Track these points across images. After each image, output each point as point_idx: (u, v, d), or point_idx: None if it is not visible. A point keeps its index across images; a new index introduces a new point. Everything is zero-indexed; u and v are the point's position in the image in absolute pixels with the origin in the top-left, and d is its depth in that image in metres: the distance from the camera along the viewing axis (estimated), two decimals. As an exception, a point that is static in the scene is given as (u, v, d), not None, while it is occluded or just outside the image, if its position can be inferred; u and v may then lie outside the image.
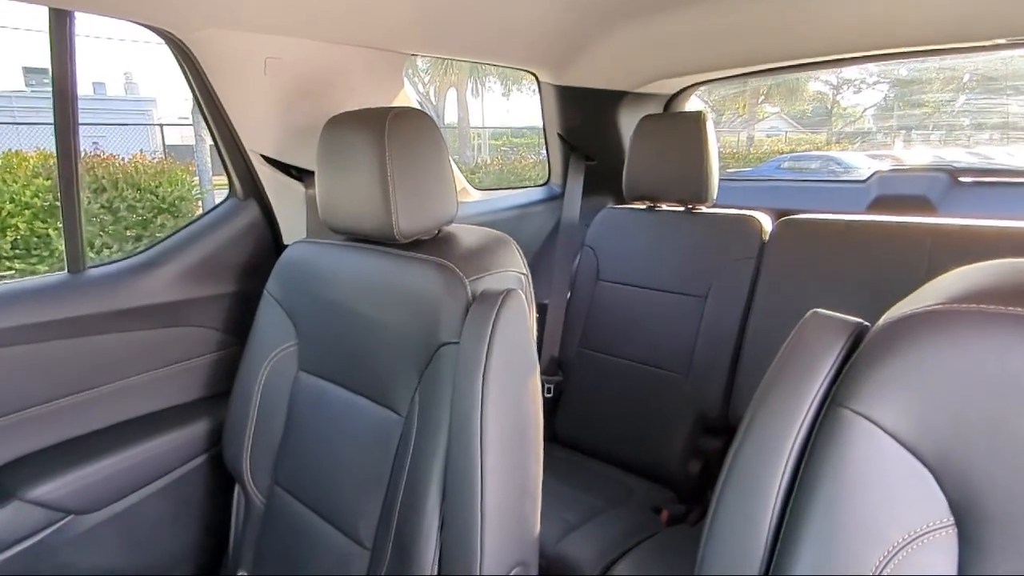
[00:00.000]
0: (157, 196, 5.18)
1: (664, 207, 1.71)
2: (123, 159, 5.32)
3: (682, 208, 1.67)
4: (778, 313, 1.41)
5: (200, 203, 5.86)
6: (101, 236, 4.91)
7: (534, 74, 1.84)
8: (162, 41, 1.13)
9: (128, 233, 5.01)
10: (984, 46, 1.40)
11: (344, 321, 0.99)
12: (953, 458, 0.45)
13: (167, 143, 8.50)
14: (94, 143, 5.68)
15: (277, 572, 1.04)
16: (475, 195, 1.86)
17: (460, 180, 1.77)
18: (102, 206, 4.91)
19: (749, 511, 0.53)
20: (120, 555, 1.14)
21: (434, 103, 14.25)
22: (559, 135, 1.98)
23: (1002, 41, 1.32)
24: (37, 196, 4.63)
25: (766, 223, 1.53)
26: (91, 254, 4.42)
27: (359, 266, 1.00)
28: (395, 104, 1.41)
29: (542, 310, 1.79)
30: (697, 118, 1.58)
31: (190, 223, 1.28)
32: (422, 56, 1.54)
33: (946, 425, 0.45)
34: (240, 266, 1.30)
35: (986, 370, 0.44)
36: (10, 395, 1.03)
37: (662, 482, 1.51)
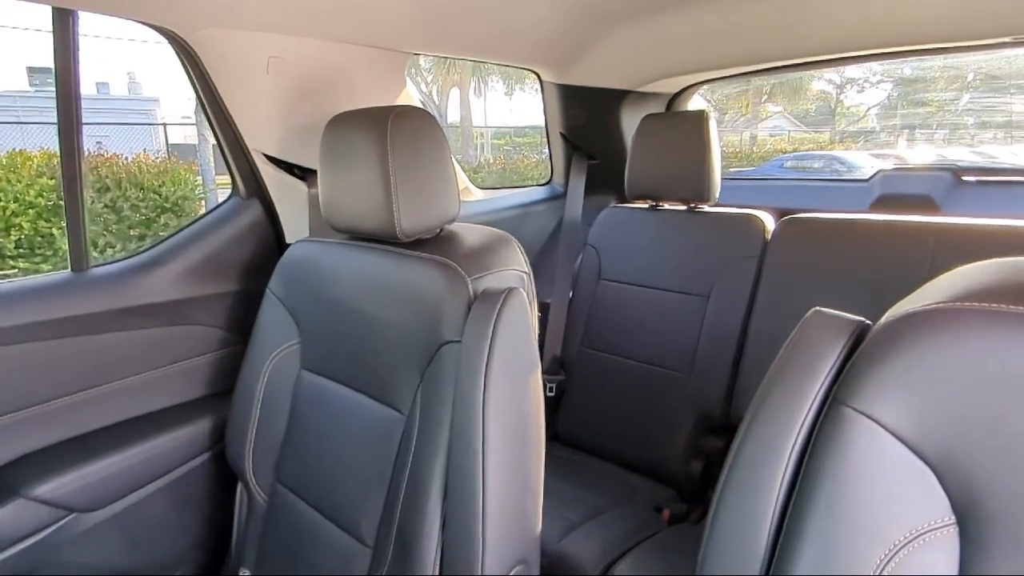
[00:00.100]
0: (160, 195, 5.20)
1: (666, 206, 1.71)
2: (127, 158, 5.34)
3: (684, 207, 1.67)
4: (780, 312, 1.41)
5: (203, 202, 5.88)
6: (105, 235, 4.93)
7: (536, 73, 1.84)
8: (165, 40, 1.14)
9: (132, 232, 5.02)
10: (987, 44, 1.39)
11: (346, 320, 0.99)
12: (955, 457, 0.45)
13: (170, 142, 8.53)
14: (98, 142, 5.70)
15: (279, 570, 1.04)
16: (477, 194, 1.87)
17: (462, 179, 1.77)
18: (106, 205, 4.93)
19: (750, 510, 0.53)
20: (123, 553, 1.14)
21: (437, 102, 14.26)
22: (561, 134, 1.98)
23: (1006, 39, 1.31)
24: (41, 195, 4.64)
25: (768, 222, 1.52)
26: (95, 253, 4.45)
27: (361, 265, 1.00)
28: (398, 103, 1.42)
29: (544, 309, 1.79)
30: (699, 117, 1.58)
31: (193, 222, 1.28)
32: (424, 55, 1.54)
33: (948, 424, 0.45)
34: (243, 265, 1.30)
35: (988, 369, 0.44)
36: (14, 393, 1.04)
37: (664, 481, 1.51)
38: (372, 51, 1.34)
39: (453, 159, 1.04)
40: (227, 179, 1.35)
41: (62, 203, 1.11)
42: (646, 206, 1.74)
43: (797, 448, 0.52)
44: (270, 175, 1.29)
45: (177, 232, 1.26)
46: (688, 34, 1.51)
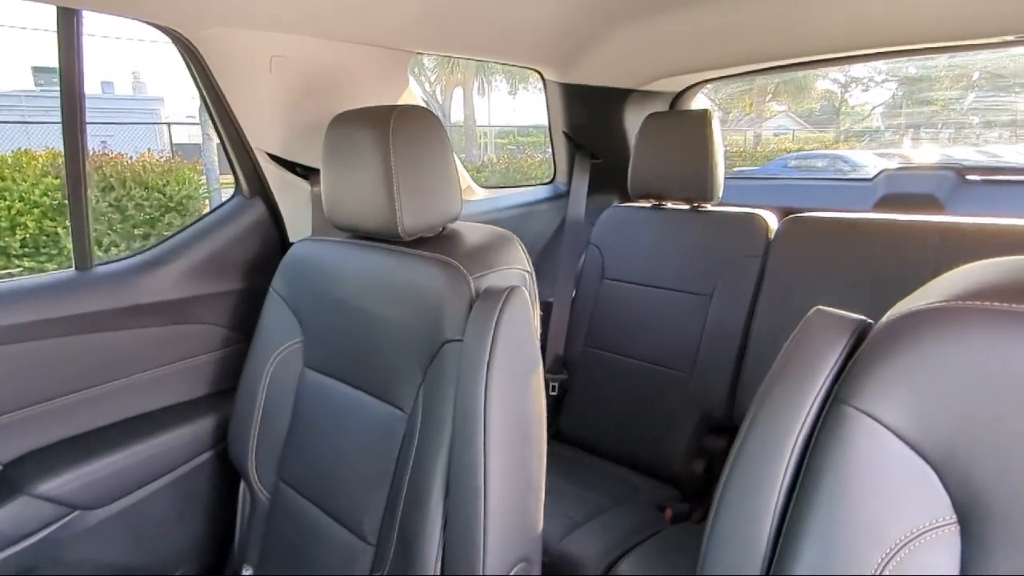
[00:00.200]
0: (164, 195, 5.21)
1: (669, 205, 1.71)
2: (131, 158, 5.35)
3: (687, 206, 1.67)
4: (783, 312, 1.41)
5: (207, 201, 5.89)
6: (109, 235, 4.94)
7: (539, 72, 1.84)
8: (169, 40, 1.14)
9: (136, 232, 5.04)
10: (990, 43, 1.39)
11: (349, 318, 0.99)
12: (956, 456, 0.45)
13: (175, 142, 8.54)
14: (102, 142, 5.72)
15: (282, 567, 1.05)
16: (480, 193, 1.87)
17: (465, 178, 1.77)
18: (110, 204, 4.94)
19: (751, 508, 0.53)
20: (126, 550, 1.14)
21: (440, 102, 14.26)
22: (564, 133, 1.98)
23: (1009, 38, 1.31)
24: (46, 195, 4.66)
25: (772, 221, 1.52)
26: (99, 252, 4.46)
27: (364, 263, 1.00)
28: (400, 102, 1.42)
29: (547, 308, 1.79)
30: (702, 116, 1.58)
31: (196, 221, 1.28)
32: (427, 55, 1.54)
33: (949, 422, 0.45)
34: (246, 264, 1.30)
35: (990, 368, 0.44)
36: (18, 391, 1.04)
37: (666, 480, 1.51)
38: (375, 50, 1.34)
39: (456, 158, 1.04)
40: (231, 178, 1.35)
41: (66, 202, 1.12)
42: (649, 205, 1.74)
43: (798, 447, 0.52)
44: (273, 174, 1.30)
45: (181, 231, 1.26)
46: (691, 33, 1.51)
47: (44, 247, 4.68)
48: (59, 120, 1.07)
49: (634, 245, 1.70)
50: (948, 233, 1.27)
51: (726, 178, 1.63)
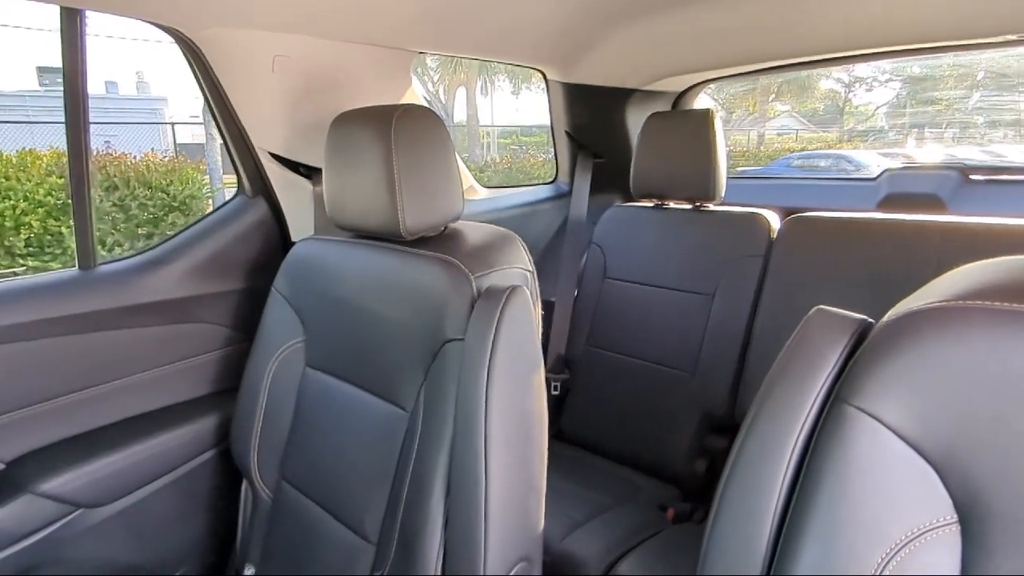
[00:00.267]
0: (168, 194, 5.22)
1: (672, 205, 1.71)
2: (135, 157, 5.37)
3: (690, 206, 1.66)
4: (785, 311, 1.41)
5: (211, 201, 5.90)
6: (113, 234, 4.96)
7: (542, 72, 1.84)
8: (172, 40, 1.14)
9: (140, 231, 5.05)
10: (993, 43, 1.38)
11: (351, 317, 1.00)
12: (957, 455, 0.45)
13: (178, 142, 8.57)
14: (106, 142, 5.74)
15: (283, 566, 1.05)
16: (483, 193, 1.87)
17: (467, 178, 1.77)
18: (114, 204, 4.95)
19: (752, 508, 0.53)
20: (129, 548, 1.15)
21: (444, 101, 14.27)
22: (567, 133, 1.98)
23: (1012, 37, 1.31)
24: (50, 194, 4.68)
25: (774, 221, 1.52)
26: (103, 252, 4.47)
27: (366, 263, 1.00)
28: (403, 102, 1.42)
29: (549, 308, 1.79)
30: (705, 116, 1.58)
31: (199, 220, 1.28)
32: (430, 54, 1.54)
33: (950, 422, 0.45)
34: (248, 263, 1.31)
35: (990, 367, 0.44)
36: (22, 389, 1.05)
37: (668, 480, 1.51)
38: (377, 50, 1.34)
39: (458, 157, 1.05)
40: (235, 178, 1.35)
41: (70, 202, 1.12)
42: (651, 205, 1.74)
43: (799, 446, 0.52)
44: (275, 174, 1.30)
45: (183, 230, 1.27)
46: (693, 33, 1.51)
47: (48, 247, 4.70)
48: (63, 120, 1.08)
49: (636, 245, 1.70)
50: (951, 233, 1.27)
51: (729, 178, 1.63)
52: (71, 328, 1.08)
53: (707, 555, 0.56)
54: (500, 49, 1.58)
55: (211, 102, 1.22)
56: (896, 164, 2.02)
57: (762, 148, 11.69)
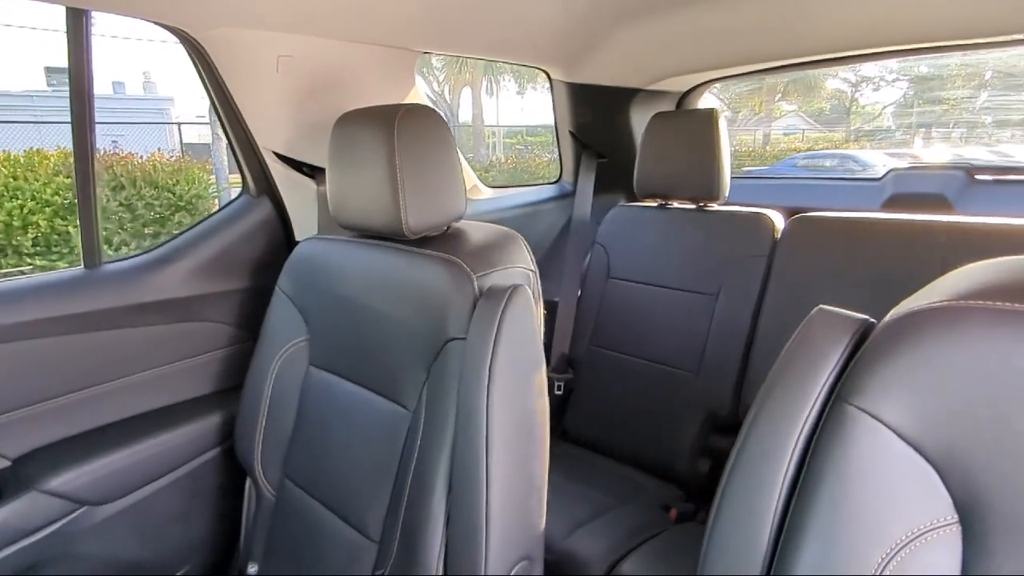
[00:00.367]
0: (174, 194, 5.24)
1: (675, 205, 1.71)
2: (141, 157, 5.39)
3: (693, 206, 1.66)
4: (789, 311, 1.40)
5: (217, 201, 5.92)
6: (120, 233, 4.98)
7: (546, 72, 1.84)
8: (178, 40, 1.15)
9: (146, 231, 5.08)
10: (1002, 41, 1.38)
11: (354, 317, 1.00)
12: (958, 455, 0.45)
13: (185, 141, 8.59)
14: (113, 141, 5.76)
15: (286, 564, 1.05)
16: (486, 192, 1.87)
17: (471, 178, 1.78)
18: (120, 204, 4.98)
19: (752, 507, 0.53)
20: (133, 546, 1.15)
21: (449, 101, 14.27)
22: (571, 132, 1.98)
23: (1020, 36, 1.30)
24: (58, 194, 4.70)
25: (778, 221, 1.52)
26: (110, 251, 4.50)
27: (369, 262, 1.00)
28: (407, 101, 1.42)
29: (553, 307, 1.79)
30: (709, 115, 1.58)
31: (204, 219, 1.29)
32: (434, 54, 1.54)
33: (951, 422, 0.45)
34: (253, 262, 1.31)
35: (991, 367, 0.44)
36: (27, 388, 1.05)
37: (671, 480, 1.50)
38: (381, 50, 1.35)
39: (461, 157, 1.05)
40: (240, 178, 1.36)
41: (76, 201, 1.13)
42: (655, 204, 1.74)
43: (800, 446, 0.52)
44: (280, 173, 1.30)
45: (188, 229, 1.27)
46: (697, 32, 1.51)
47: (55, 246, 4.72)
48: (69, 120, 1.08)
49: (640, 244, 1.69)
50: (956, 233, 1.26)
51: (733, 178, 1.62)
52: (77, 327, 1.09)
53: (707, 554, 0.56)
54: (504, 49, 1.58)
55: (216, 102, 1.23)
56: (903, 164, 2.01)
57: (768, 148, 11.65)
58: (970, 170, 1.70)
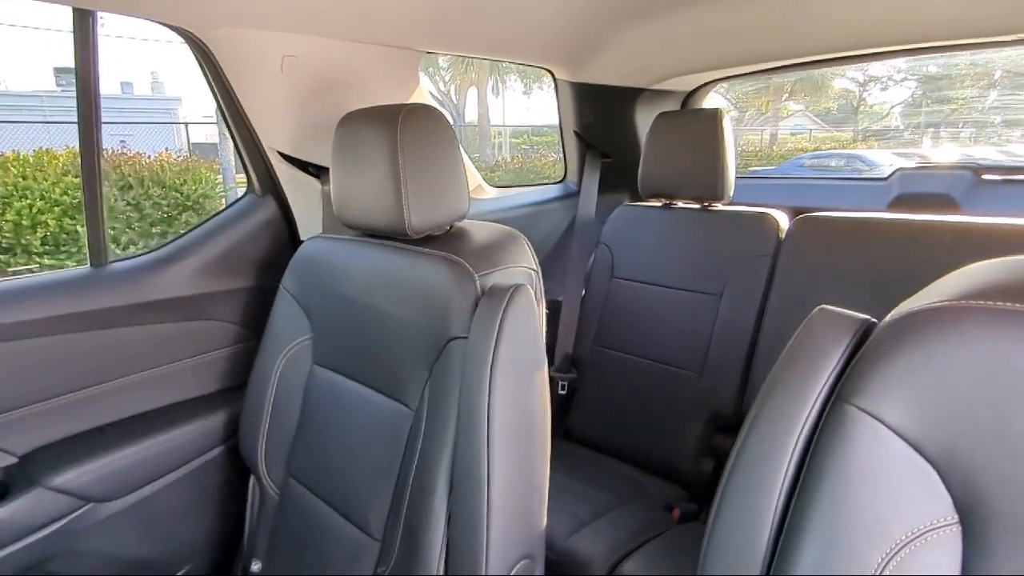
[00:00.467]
0: (182, 193, 5.28)
1: (680, 204, 1.71)
2: (149, 157, 5.43)
3: (698, 206, 1.66)
4: (793, 311, 1.39)
5: (224, 200, 5.95)
6: (127, 233, 5.02)
7: (550, 71, 1.84)
8: (183, 40, 1.16)
9: (154, 230, 5.11)
10: (1012, 40, 1.37)
11: (357, 315, 1.00)
12: (958, 455, 0.45)
13: (192, 141, 8.64)
14: (121, 141, 5.80)
15: (289, 562, 1.06)
16: (491, 192, 1.87)
17: (475, 177, 1.78)
18: (128, 203, 5.01)
19: (752, 507, 0.53)
20: (138, 543, 1.16)
21: (455, 101, 14.29)
22: (575, 132, 1.98)
23: None
24: (66, 193, 4.74)
25: (783, 221, 1.51)
26: (118, 250, 4.52)
27: (372, 261, 1.01)
28: (411, 101, 1.43)
29: (557, 307, 1.80)
30: (714, 115, 1.57)
31: (209, 218, 1.30)
32: (439, 54, 1.54)
33: (951, 422, 0.45)
34: (257, 261, 1.32)
35: (992, 367, 0.44)
36: (34, 385, 1.06)
37: (675, 480, 1.50)
38: (385, 49, 1.35)
39: (465, 157, 1.05)
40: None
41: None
42: (659, 204, 1.74)
43: (800, 446, 0.52)
44: (284, 173, 1.31)
45: (194, 228, 1.28)
46: (702, 32, 1.51)
47: (64, 245, 4.76)
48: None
49: (644, 244, 1.69)
50: (962, 233, 1.25)
51: (738, 178, 1.62)
52: (83, 325, 1.10)
53: (707, 554, 0.56)
54: (508, 49, 1.58)
55: (221, 102, 1.23)
56: (910, 164, 2.00)
57: (775, 148, 11.60)
58: (977, 170, 1.69)
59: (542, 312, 0.93)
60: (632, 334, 1.66)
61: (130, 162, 5.20)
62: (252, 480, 1.15)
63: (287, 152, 1.29)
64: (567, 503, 1.35)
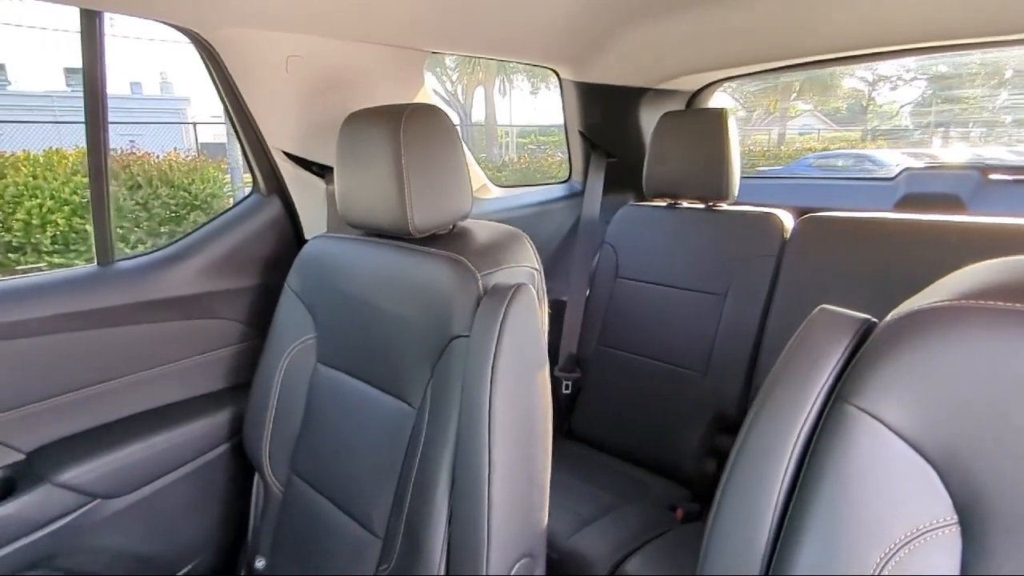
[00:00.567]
0: (190, 193, 5.31)
1: (684, 204, 1.70)
2: (158, 157, 5.46)
3: (703, 205, 1.66)
4: (798, 311, 1.38)
5: (231, 199, 5.98)
6: (136, 232, 5.05)
7: (555, 71, 1.84)
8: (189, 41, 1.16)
9: (162, 229, 5.14)
10: (1021, 40, 1.36)
11: (361, 314, 1.01)
12: (958, 455, 0.45)
13: (200, 141, 8.68)
14: (130, 141, 5.83)
15: (293, 559, 1.06)
16: (496, 192, 1.87)
17: (480, 177, 1.78)
18: (137, 202, 5.04)
19: (752, 507, 0.53)
20: (144, 539, 1.17)
21: (462, 101, 14.30)
22: (580, 132, 1.98)
23: None
24: (76, 193, 4.77)
25: (787, 220, 1.51)
26: (127, 249, 4.55)
27: (375, 260, 1.01)
28: (416, 101, 1.43)
29: (561, 307, 1.80)
30: (719, 115, 1.57)
31: (214, 218, 1.31)
32: (444, 54, 1.55)
33: (951, 422, 0.45)
34: (262, 260, 1.32)
35: (991, 367, 0.43)
36: (42, 382, 1.07)
37: (678, 480, 1.50)
38: (390, 50, 1.35)
39: (469, 156, 1.05)
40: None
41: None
42: (664, 204, 1.73)
43: (799, 446, 0.52)
44: (289, 172, 1.32)
45: (200, 227, 1.29)
46: (706, 32, 1.50)
47: (73, 244, 4.79)
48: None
49: (648, 244, 1.69)
50: (968, 233, 1.25)
51: (744, 178, 1.61)
52: (90, 323, 1.10)
53: (707, 554, 0.56)
54: (513, 49, 1.58)
55: (226, 102, 1.24)
56: (919, 164, 1.99)
57: (783, 148, 11.54)
58: (984, 170, 1.67)
59: (544, 311, 0.94)
60: (636, 334, 1.66)
61: (139, 162, 5.23)
62: (256, 477, 1.16)
63: (292, 152, 1.30)
64: (570, 502, 1.35)
